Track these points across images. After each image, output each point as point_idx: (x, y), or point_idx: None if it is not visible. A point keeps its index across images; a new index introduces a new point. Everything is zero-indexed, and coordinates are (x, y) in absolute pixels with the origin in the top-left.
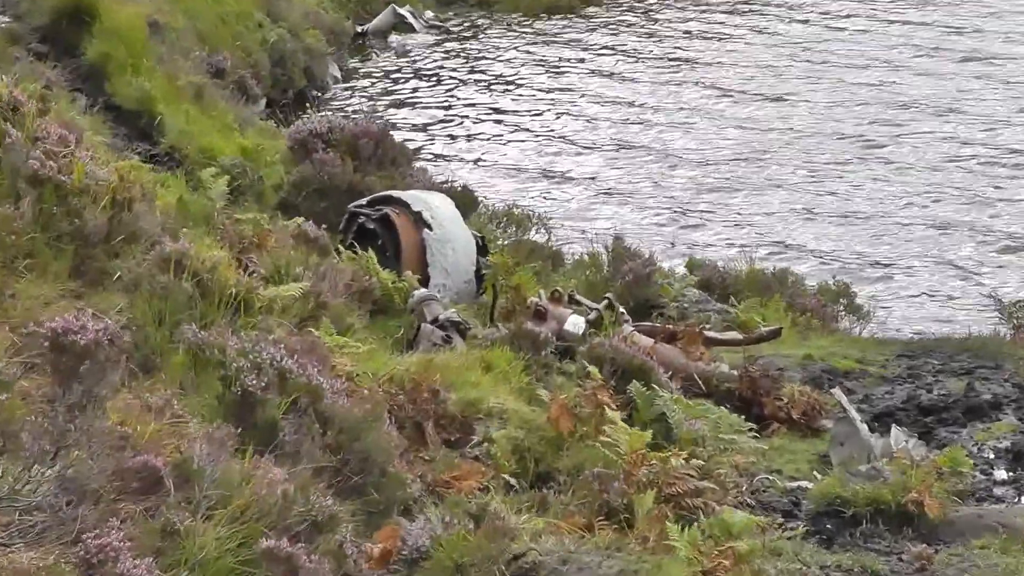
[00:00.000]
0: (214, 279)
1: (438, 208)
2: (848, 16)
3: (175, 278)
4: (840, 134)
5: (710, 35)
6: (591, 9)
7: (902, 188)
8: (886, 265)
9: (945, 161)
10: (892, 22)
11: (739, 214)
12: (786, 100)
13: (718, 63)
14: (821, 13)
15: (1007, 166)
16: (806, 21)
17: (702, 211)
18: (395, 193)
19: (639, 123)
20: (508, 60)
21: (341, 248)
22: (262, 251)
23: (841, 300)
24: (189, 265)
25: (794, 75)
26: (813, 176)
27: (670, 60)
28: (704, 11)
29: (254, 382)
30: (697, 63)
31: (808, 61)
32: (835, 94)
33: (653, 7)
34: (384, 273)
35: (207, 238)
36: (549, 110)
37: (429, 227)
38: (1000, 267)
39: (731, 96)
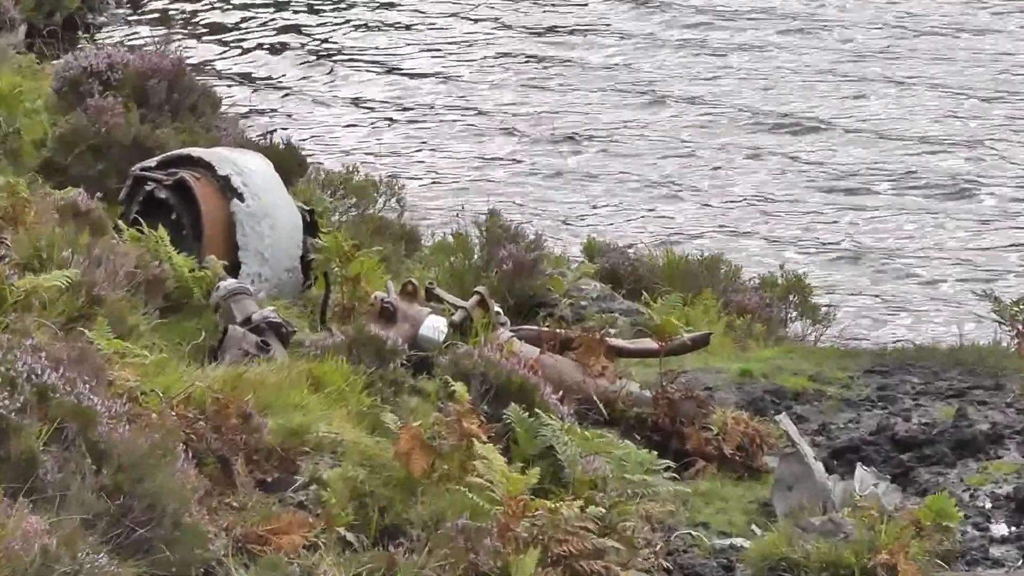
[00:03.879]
0: None
1: (252, 172)
2: None
3: None
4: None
5: None
6: None
7: (867, 156)
8: (852, 255)
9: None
10: None
11: (656, 188)
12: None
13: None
14: None
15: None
16: None
17: (604, 183)
18: (195, 151)
19: (528, 69)
20: None
21: (122, 224)
22: (18, 228)
23: (792, 298)
24: None
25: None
26: (751, 149)
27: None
28: None
29: (5, 403)
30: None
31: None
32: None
33: None
34: (180, 258)
35: None
36: (408, 41)
37: (240, 197)
38: (997, 257)
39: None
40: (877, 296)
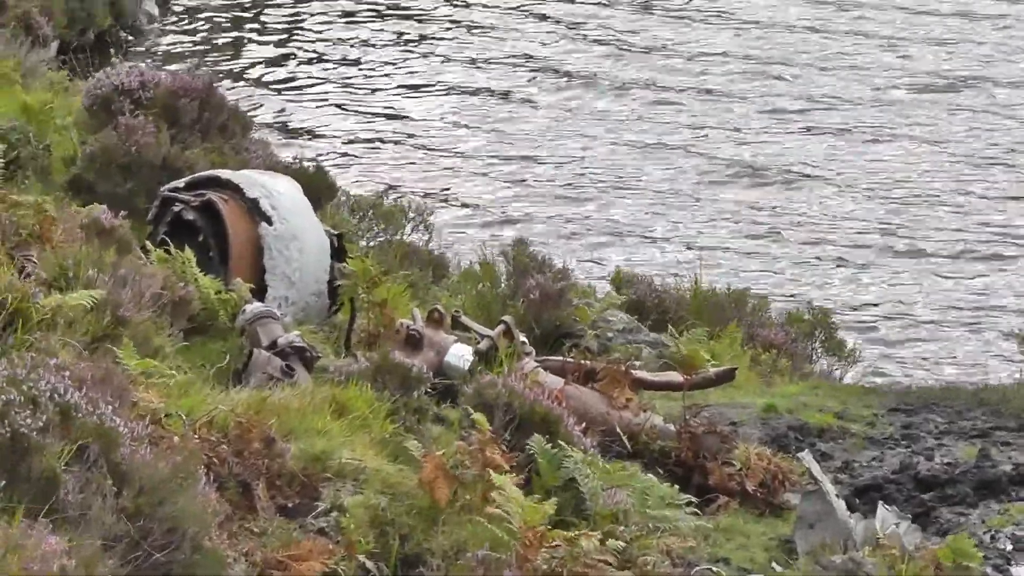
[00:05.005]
0: None
1: (281, 195)
2: None
3: None
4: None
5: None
6: None
7: (892, 195)
8: (874, 292)
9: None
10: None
11: (681, 219)
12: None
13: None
14: None
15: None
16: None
17: (634, 210)
18: (223, 173)
19: (551, 87)
20: None
21: (149, 245)
22: (45, 246)
23: (817, 333)
24: None
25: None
26: (775, 180)
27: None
28: None
29: (27, 421)
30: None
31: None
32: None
33: None
34: (206, 280)
35: None
36: (434, 62)
37: (268, 220)
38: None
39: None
40: (904, 333)
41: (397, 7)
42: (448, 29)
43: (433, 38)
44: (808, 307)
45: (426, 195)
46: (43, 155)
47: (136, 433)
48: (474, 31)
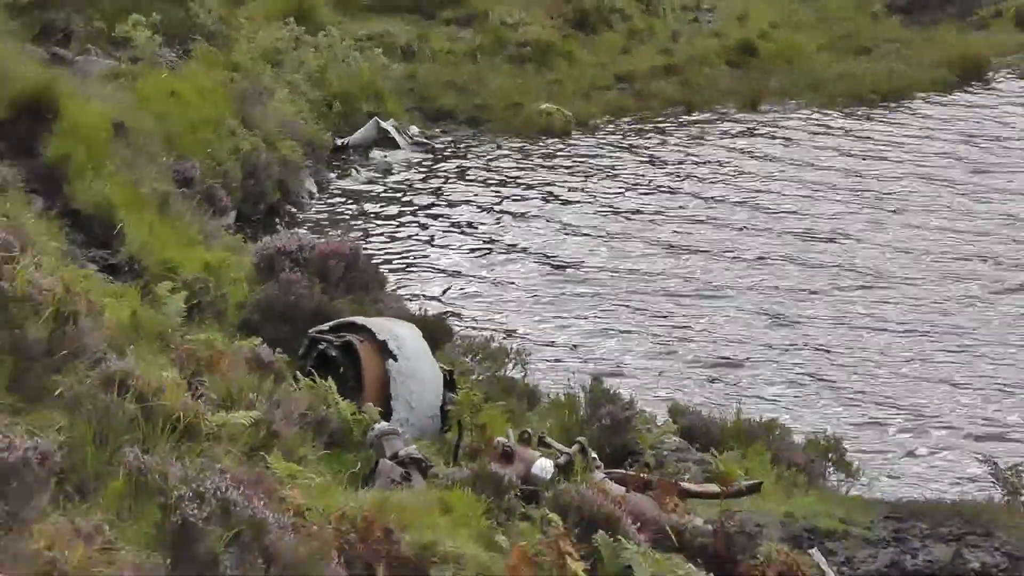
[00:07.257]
0: (159, 401)
1: (404, 338)
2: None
3: (118, 398)
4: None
5: (719, 165)
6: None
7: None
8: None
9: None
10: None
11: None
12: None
13: (718, 196)
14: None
15: None
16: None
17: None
18: (359, 320)
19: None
20: (499, 182)
21: (300, 375)
22: (215, 374)
23: (830, 455)
24: (134, 385)
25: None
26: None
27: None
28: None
29: (195, 512)
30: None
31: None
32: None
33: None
34: (344, 404)
35: (160, 357)
36: (543, 239)
37: (394, 358)
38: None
39: (743, 230)
40: (896, 453)
41: (536, 184)
42: (584, 195)
43: (570, 208)
44: (824, 434)
45: (528, 340)
46: (220, 301)
47: (282, 523)
48: (615, 213)
